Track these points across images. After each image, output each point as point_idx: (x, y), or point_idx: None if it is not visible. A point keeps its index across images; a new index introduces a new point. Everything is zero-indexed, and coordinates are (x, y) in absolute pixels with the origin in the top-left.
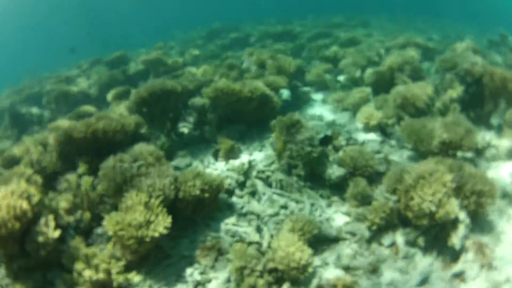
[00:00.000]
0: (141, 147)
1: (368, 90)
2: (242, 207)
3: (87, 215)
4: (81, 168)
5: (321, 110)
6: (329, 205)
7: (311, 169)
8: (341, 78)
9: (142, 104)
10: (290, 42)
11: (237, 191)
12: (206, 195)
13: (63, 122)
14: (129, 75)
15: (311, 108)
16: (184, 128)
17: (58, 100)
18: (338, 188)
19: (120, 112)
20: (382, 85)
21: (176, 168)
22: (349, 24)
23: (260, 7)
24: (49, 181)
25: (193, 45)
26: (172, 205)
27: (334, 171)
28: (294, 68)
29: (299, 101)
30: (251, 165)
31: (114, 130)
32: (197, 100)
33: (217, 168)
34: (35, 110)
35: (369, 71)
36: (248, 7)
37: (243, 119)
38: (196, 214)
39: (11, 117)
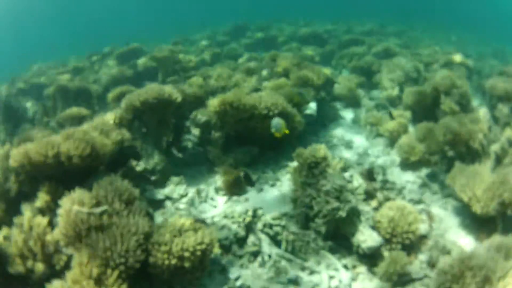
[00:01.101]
0: (111, 181)
1: (407, 114)
2: (238, 277)
3: (39, 266)
4: (40, 201)
5: (351, 133)
6: (353, 279)
7: (335, 227)
8: (375, 93)
9: (134, 114)
10: (319, 46)
11: (235, 248)
12: (187, 264)
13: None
14: (139, 72)
15: (339, 128)
16: (189, 141)
17: (56, 96)
18: (367, 256)
19: (105, 122)
20: (424, 108)
21: (168, 198)
22: (383, 32)
23: (291, 6)
24: (14, 205)
25: (214, 42)
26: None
27: (367, 239)
28: (322, 80)
29: (326, 118)
30: (256, 214)
31: (81, 154)
32: (201, 114)
33: (216, 205)
34: (29, 104)
35: (409, 90)
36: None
37: (256, 139)
38: (176, 280)
39: (4, 111)
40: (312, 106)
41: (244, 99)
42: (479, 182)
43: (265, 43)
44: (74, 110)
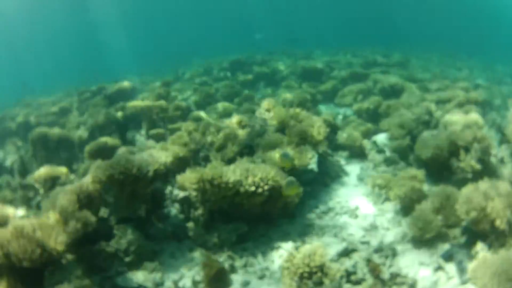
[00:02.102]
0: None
1: (421, 175)
2: None
3: None
4: None
5: (356, 195)
6: None
7: None
8: (383, 139)
9: (103, 186)
10: (320, 82)
11: None
12: None
13: None
14: (127, 116)
15: (343, 188)
16: (173, 207)
17: (36, 145)
18: None
19: (69, 201)
20: (439, 163)
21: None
22: (386, 63)
23: (292, 36)
24: None
25: (211, 78)
26: None
27: None
28: (324, 134)
29: (327, 176)
30: None
31: (30, 258)
32: (178, 189)
33: None
34: (5, 154)
35: (423, 142)
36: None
37: (244, 213)
38: None
39: None
40: (313, 161)
41: (226, 175)
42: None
43: (265, 79)
44: (47, 170)
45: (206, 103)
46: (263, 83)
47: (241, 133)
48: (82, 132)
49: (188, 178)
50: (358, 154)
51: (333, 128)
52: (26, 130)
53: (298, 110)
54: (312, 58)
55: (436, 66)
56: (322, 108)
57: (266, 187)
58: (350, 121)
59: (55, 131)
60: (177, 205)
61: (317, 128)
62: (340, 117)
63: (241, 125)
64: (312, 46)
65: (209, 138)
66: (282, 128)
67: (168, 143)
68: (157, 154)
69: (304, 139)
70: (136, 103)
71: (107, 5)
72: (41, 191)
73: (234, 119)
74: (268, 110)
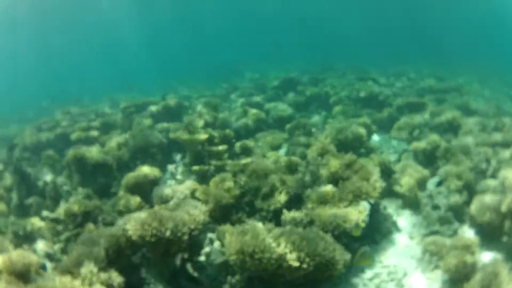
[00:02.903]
0: None
1: (475, 244)
2: None
3: None
4: None
5: (405, 260)
6: None
7: None
8: (440, 189)
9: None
10: (376, 107)
11: None
12: None
13: None
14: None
15: (392, 248)
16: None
17: (72, 167)
18: None
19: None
20: (494, 228)
21: None
22: (441, 89)
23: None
24: None
25: (260, 99)
26: None
27: None
28: (379, 190)
29: (377, 232)
30: None
31: None
32: (216, 253)
33: None
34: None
35: (483, 203)
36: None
37: (285, 282)
38: None
39: (15, 174)
40: (364, 214)
41: (268, 249)
42: None
43: (318, 101)
44: (79, 206)
45: (257, 128)
46: (315, 105)
47: (290, 179)
48: (123, 153)
49: (228, 243)
50: (411, 204)
51: (389, 171)
52: (64, 143)
53: (353, 157)
54: (368, 79)
55: (491, 91)
56: (377, 139)
57: (312, 263)
58: (406, 165)
59: (93, 154)
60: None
61: (373, 182)
62: (396, 156)
63: (291, 167)
64: (363, 62)
65: (255, 183)
66: (335, 179)
67: (210, 185)
68: (194, 212)
69: (358, 196)
70: (179, 134)
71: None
72: (70, 226)
73: (283, 161)
74: (321, 155)
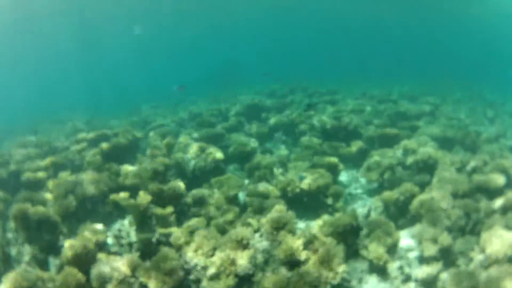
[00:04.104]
0: None
1: None
2: None
3: None
4: None
5: None
6: None
7: None
8: (412, 254)
9: None
10: (344, 140)
11: None
12: None
13: None
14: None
15: None
16: None
17: (17, 223)
18: None
19: None
20: None
21: None
22: (415, 114)
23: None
24: None
25: (221, 128)
26: None
27: None
28: (341, 276)
29: None
30: None
31: None
32: None
33: None
34: None
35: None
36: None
37: None
38: None
39: None
40: None
41: None
42: None
43: (283, 129)
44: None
45: (216, 168)
46: (281, 133)
47: (242, 258)
48: (70, 202)
49: None
50: (379, 271)
51: (355, 230)
52: (17, 182)
53: (312, 234)
54: (336, 101)
55: (465, 112)
56: (345, 179)
57: None
58: (375, 224)
59: (38, 209)
60: None
61: (335, 266)
62: (365, 210)
63: (242, 241)
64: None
65: (201, 261)
66: (291, 261)
67: (152, 264)
68: None
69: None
70: (119, 198)
71: None
72: None
73: (233, 235)
74: (277, 228)
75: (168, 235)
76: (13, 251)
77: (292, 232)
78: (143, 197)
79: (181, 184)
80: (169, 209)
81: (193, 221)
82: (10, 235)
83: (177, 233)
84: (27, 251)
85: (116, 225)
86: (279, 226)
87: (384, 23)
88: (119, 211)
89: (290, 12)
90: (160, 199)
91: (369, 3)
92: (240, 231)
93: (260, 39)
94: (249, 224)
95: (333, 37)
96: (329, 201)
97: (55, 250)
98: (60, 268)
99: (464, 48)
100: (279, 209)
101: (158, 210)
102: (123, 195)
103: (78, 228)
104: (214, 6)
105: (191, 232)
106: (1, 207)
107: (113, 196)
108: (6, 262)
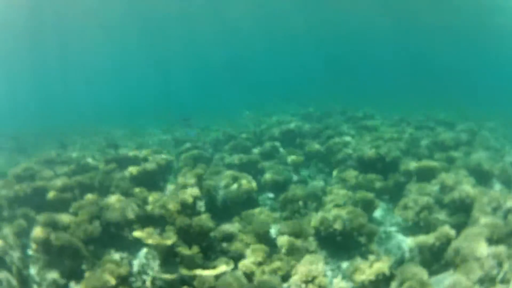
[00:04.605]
0: None
1: None
2: None
3: None
4: None
5: None
6: None
7: None
8: None
9: None
10: (381, 173)
11: None
12: None
13: None
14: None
15: None
16: None
17: (38, 248)
18: None
19: None
20: None
21: None
22: (453, 144)
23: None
24: None
25: (257, 154)
26: None
27: None
28: None
29: None
30: None
31: None
32: None
33: None
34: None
35: None
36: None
37: None
38: None
39: None
40: None
41: None
42: None
43: (319, 158)
44: None
45: (248, 199)
46: (316, 162)
47: None
48: (94, 229)
49: None
50: None
51: (388, 279)
52: (41, 200)
53: None
54: (372, 127)
55: (501, 141)
56: (379, 215)
57: None
58: (408, 273)
59: (60, 236)
60: None
61: None
62: (398, 255)
63: None
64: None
65: None
66: None
67: None
68: None
69: None
70: (144, 235)
71: None
72: None
73: (267, 284)
74: (305, 282)
75: (193, 278)
76: (33, 271)
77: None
78: (168, 237)
79: (209, 222)
80: (195, 250)
81: (220, 263)
82: (30, 253)
83: (201, 278)
84: (47, 275)
85: (142, 253)
86: (308, 280)
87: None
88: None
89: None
90: (187, 234)
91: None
92: (268, 280)
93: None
94: (277, 270)
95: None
96: (363, 240)
97: (77, 275)
98: None
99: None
100: (310, 260)
101: (184, 250)
102: (146, 233)
103: (101, 253)
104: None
105: (217, 277)
106: (23, 224)
107: (136, 234)
108: (24, 285)
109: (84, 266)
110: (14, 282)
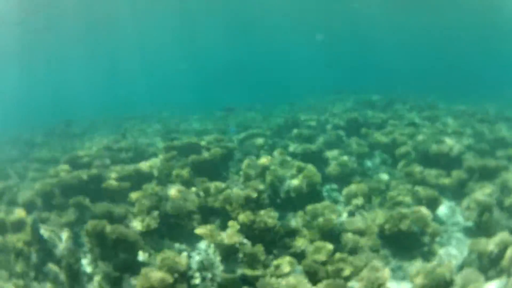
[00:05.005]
0: None
1: None
2: None
3: None
4: None
5: None
6: None
7: None
8: None
9: None
10: (444, 168)
11: None
12: None
13: None
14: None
15: None
16: None
17: (91, 239)
18: None
19: None
20: None
21: None
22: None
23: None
24: None
25: (322, 142)
26: None
27: None
28: None
29: None
30: None
31: None
32: None
33: None
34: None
35: None
36: None
37: None
38: None
39: (34, 237)
40: None
41: None
42: None
43: (382, 149)
44: None
45: (311, 192)
46: (380, 158)
47: None
48: (153, 220)
49: None
50: None
51: (447, 284)
52: (98, 187)
53: None
54: (435, 118)
55: None
56: (443, 213)
57: None
58: (468, 280)
59: (114, 229)
60: None
61: None
62: (459, 260)
63: None
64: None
65: None
66: None
67: None
68: None
69: None
70: (204, 232)
71: None
72: None
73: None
74: None
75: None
76: (84, 263)
77: None
78: (230, 235)
79: (273, 218)
80: (259, 248)
81: (284, 263)
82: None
83: (264, 281)
84: (100, 268)
85: (201, 245)
86: (373, 287)
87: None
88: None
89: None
90: (250, 230)
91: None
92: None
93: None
94: (340, 271)
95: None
96: (425, 239)
97: (132, 268)
98: None
99: None
100: (375, 267)
101: (247, 248)
102: (207, 229)
103: (159, 245)
104: None
105: (278, 276)
106: (76, 214)
107: (198, 231)
108: (74, 279)
109: (140, 259)
110: (62, 276)
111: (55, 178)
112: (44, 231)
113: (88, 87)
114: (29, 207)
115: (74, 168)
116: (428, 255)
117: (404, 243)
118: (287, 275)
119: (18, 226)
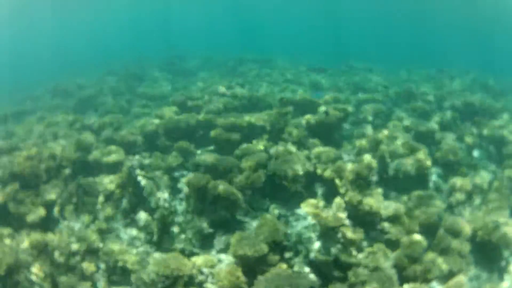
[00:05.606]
0: None
1: None
2: None
3: None
4: None
5: None
6: None
7: None
8: None
9: None
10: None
11: None
12: None
13: None
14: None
15: None
16: None
17: (190, 191)
18: None
19: None
20: None
21: None
22: None
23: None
24: None
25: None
26: None
27: None
28: None
29: None
30: None
31: None
32: None
33: None
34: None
35: None
36: None
37: None
38: None
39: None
40: None
41: None
42: None
43: (495, 143)
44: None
45: (414, 176)
46: (487, 152)
47: None
48: (258, 177)
49: None
50: None
51: None
52: (207, 134)
53: None
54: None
55: None
56: None
57: None
58: None
59: (219, 185)
60: None
61: None
62: None
63: None
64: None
65: None
66: None
67: None
68: None
69: None
70: (311, 211)
71: None
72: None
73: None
74: None
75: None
76: (179, 214)
77: None
78: (336, 217)
79: (379, 202)
80: (359, 235)
81: (379, 251)
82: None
83: (356, 270)
84: (195, 222)
85: (301, 211)
86: None
87: None
88: (310, 192)
89: None
90: (355, 210)
91: None
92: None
93: None
94: (427, 272)
95: None
96: (506, 254)
97: (227, 226)
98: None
99: None
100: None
101: (348, 233)
102: (312, 206)
103: (260, 205)
104: None
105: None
106: (180, 158)
107: (303, 206)
108: (165, 231)
109: (237, 217)
110: (152, 226)
111: (161, 118)
112: (141, 178)
113: (199, 24)
114: (128, 146)
115: (183, 110)
116: (504, 272)
117: (490, 254)
118: (377, 269)
119: (114, 167)
